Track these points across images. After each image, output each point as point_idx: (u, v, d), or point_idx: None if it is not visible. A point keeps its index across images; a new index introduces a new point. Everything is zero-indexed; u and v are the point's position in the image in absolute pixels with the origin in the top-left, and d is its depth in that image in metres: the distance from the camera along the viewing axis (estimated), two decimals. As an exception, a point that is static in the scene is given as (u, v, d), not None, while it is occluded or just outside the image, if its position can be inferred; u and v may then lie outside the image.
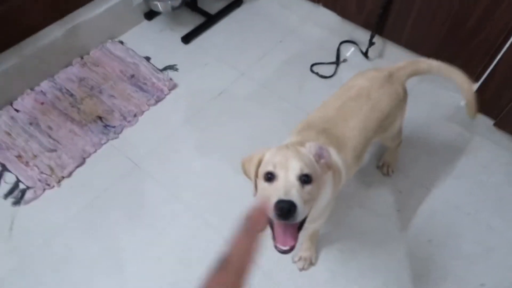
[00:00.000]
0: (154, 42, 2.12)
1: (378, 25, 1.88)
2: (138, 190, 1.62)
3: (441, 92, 1.94)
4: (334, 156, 1.12)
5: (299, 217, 0.87)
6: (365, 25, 1.98)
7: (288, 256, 1.46)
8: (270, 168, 0.93)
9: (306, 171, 0.92)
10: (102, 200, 1.58)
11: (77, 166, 1.66)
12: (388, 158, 1.66)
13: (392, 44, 1.98)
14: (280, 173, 0.91)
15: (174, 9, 2.04)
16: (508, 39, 1.50)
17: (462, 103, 1.75)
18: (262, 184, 0.95)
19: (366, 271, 1.45)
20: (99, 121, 1.78)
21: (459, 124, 1.84)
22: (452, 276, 1.46)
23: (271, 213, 0.86)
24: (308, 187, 0.92)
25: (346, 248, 1.50)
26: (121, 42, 2.09)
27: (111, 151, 1.72)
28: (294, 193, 0.88)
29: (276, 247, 0.93)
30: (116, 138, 1.75)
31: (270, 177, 0.93)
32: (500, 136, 1.72)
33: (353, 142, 1.19)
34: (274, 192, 0.89)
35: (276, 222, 0.91)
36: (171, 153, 1.72)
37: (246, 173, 1.06)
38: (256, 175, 1.00)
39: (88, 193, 1.60)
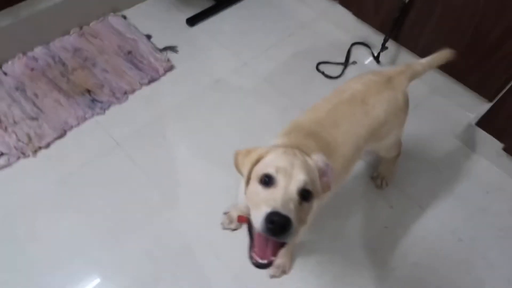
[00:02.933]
0: (158, 20, 2.03)
1: (393, 29, 1.77)
2: (115, 171, 1.53)
3: (452, 107, 1.81)
4: None
5: (290, 237, 0.75)
6: (380, 28, 1.86)
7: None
8: (271, 171, 0.82)
9: (309, 186, 0.82)
10: (77, 176, 1.50)
11: (57, 138, 1.58)
12: (383, 169, 1.55)
13: (406, 51, 1.86)
14: (281, 180, 0.81)
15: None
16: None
17: (473, 122, 1.62)
18: (255, 185, 0.84)
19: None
20: (87, 95, 1.70)
21: (466, 143, 1.71)
22: (435, 305, 1.34)
23: (259, 223, 0.75)
24: (305, 205, 0.82)
25: (325, 260, 1.39)
26: (124, 17, 2.01)
27: (95, 127, 1.64)
28: (292, 207, 0.77)
29: (251, 258, 0.83)
30: (101, 114, 1.67)
31: (267, 180, 0.82)
32: (508, 162, 1.59)
33: (343, 148, 1.09)
34: (268, 200, 0.78)
35: (259, 233, 0.80)
36: (156, 137, 1.63)
37: (237, 166, 0.95)
38: (250, 173, 0.89)
39: (63, 167, 1.52)
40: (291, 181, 0.80)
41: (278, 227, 0.73)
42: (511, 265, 1.43)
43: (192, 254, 1.37)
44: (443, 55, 1.29)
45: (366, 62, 1.97)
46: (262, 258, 0.81)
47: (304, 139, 1.04)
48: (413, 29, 1.74)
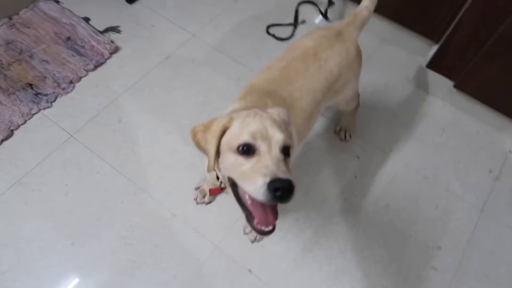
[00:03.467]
0: (95, 1, 1.91)
1: (336, -19, 1.76)
2: (74, 164, 1.46)
3: (404, 54, 1.85)
4: None
5: (293, 197, 0.74)
6: (323, -18, 1.85)
7: (238, 227, 1.37)
8: (247, 139, 0.79)
9: (287, 142, 0.81)
10: (34, 176, 1.42)
11: (3, 140, 1.47)
12: (345, 122, 1.57)
13: (353, 5, 1.87)
14: (261, 145, 0.78)
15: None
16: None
17: (424, 64, 1.67)
18: (232, 157, 0.81)
19: (322, 239, 1.38)
20: (29, 89, 1.59)
21: (420, 86, 1.77)
22: (411, 240, 1.41)
23: (262, 194, 0.72)
24: (287, 159, 0.81)
25: (302, 217, 1.42)
26: (57, 1, 1.86)
27: (44, 122, 1.53)
28: (284, 168, 0.76)
29: (255, 228, 0.81)
30: (49, 107, 1.57)
31: (247, 149, 0.79)
32: (460, 98, 1.67)
33: (301, 103, 1.08)
34: (260, 169, 0.75)
35: (256, 202, 0.79)
36: (112, 123, 1.56)
37: (199, 144, 0.89)
38: (218, 147, 0.85)
39: (17, 169, 1.42)
40: (271, 143, 0.79)
41: (285, 192, 0.72)
42: (474, 193, 1.52)
43: (170, 233, 1.35)
44: None
45: (315, 20, 1.97)
46: (267, 225, 0.80)
47: (260, 99, 1.02)
48: (355, -20, 1.74)
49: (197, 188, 1.42)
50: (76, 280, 1.25)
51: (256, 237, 1.34)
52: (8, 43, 1.70)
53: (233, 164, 0.81)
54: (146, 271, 1.28)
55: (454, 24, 1.48)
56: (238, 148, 0.80)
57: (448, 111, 1.72)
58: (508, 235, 1.44)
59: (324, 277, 1.32)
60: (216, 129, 0.85)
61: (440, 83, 1.67)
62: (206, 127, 0.88)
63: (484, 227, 1.45)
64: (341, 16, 1.96)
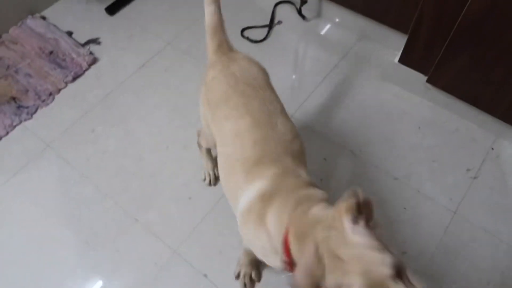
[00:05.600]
0: (79, 15, 2.00)
1: (305, -21, 1.73)
2: (48, 173, 1.54)
3: (380, 49, 1.79)
4: None
5: None
6: (294, -19, 1.82)
7: (198, 232, 1.39)
8: None
9: (395, 261, 0.64)
10: (11, 185, 1.51)
11: (-13, 151, 1.59)
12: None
13: (329, 2, 1.83)
14: None
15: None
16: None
17: (395, 59, 1.60)
18: None
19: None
20: (12, 102, 1.69)
21: (395, 82, 1.70)
22: (374, 246, 1.36)
23: None
24: (410, 274, 0.64)
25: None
26: (43, 18, 1.97)
27: (23, 133, 1.63)
28: None
29: None
30: (29, 119, 1.66)
31: None
32: (437, 93, 1.58)
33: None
34: None
35: None
36: (85, 133, 1.63)
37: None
38: None
39: (-3, 177, 1.53)
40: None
41: None
42: (448, 194, 1.44)
43: (131, 238, 1.39)
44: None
45: (293, 20, 1.94)
46: None
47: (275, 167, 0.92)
48: (325, -23, 1.71)
49: (237, 277, 1.29)
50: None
51: (244, 280, 1.28)
52: (-3, 60, 1.82)
53: None
54: (107, 276, 1.33)
55: (417, 13, 1.40)
56: None
57: (426, 107, 1.64)
58: (482, 238, 1.35)
59: (279, 281, 1.31)
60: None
61: (414, 78, 1.59)
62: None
63: (456, 230, 1.37)
64: (318, 14, 1.93)
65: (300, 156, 0.98)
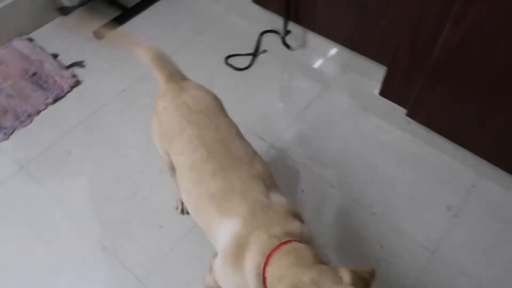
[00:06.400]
0: (67, 38, 2.01)
1: (288, 10, 1.74)
2: (20, 196, 1.51)
3: (363, 80, 1.79)
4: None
5: None
6: (279, 12, 1.84)
7: (166, 262, 1.34)
8: None
9: None
10: (-19, 207, 1.48)
11: (-42, 171, 1.56)
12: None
13: (312, 33, 1.83)
14: None
15: (82, 3, 1.93)
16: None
17: (376, 91, 1.59)
18: None
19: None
20: (-10, 123, 1.68)
21: (376, 115, 1.68)
22: (347, 285, 1.30)
23: None
24: None
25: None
26: (30, 40, 1.99)
27: (-2, 154, 1.62)
28: None
29: None
30: (5, 139, 1.65)
31: None
32: (419, 127, 1.56)
33: None
34: None
35: None
36: (61, 155, 1.60)
37: None
38: None
39: (-34, 199, 1.50)
40: None
41: None
42: (427, 232, 1.39)
43: (99, 266, 1.34)
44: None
45: (277, 49, 1.94)
46: None
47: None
48: (307, 8, 1.71)
49: None
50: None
51: None
52: (-20, 79, 1.82)
53: None
54: (67, 306, 1.28)
55: (395, 46, 1.40)
56: None
57: (407, 141, 1.62)
58: (460, 280, 1.30)
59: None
60: None
61: (395, 111, 1.58)
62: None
63: (433, 271, 1.32)
64: (303, 44, 1.93)
65: (266, 177, 0.94)
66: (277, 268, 0.77)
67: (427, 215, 1.43)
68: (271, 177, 0.97)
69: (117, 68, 1.89)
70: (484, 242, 1.36)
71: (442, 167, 1.54)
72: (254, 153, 0.99)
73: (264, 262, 0.79)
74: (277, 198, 0.92)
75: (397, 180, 1.51)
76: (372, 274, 0.73)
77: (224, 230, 0.88)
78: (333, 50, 1.82)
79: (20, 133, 1.67)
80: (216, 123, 1.00)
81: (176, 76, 1.12)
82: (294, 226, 0.84)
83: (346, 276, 0.69)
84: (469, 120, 1.35)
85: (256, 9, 1.96)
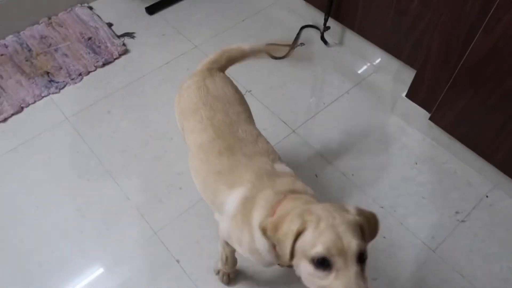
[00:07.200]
0: (121, 10, 2.18)
1: (330, 7, 1.82)
2: (61, 142, 1.67)
3: (394, 82, 1.83)
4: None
5: None
6: (320, 7, 1.91)
7: (182, 220, 1.45)
8: (322, 252, 0.72)
9: (363, 248, 0.74)
10: (28, 147, 1.65)
11: (14, 114, 1.75)
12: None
13: (351, 32, 1.90)
14: (338, 261, 0.71)
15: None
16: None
17: (404, 94, 1.64)
18: (309, 268, 0.75)
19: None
20: (46, 76, 1.87)
21: (401, 117, 1.72)
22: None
23: None
24: (364, 267, 0.74)
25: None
26: (90, 8, 2.18)
27: (49, 104, 1.79)
28: (364, 285, 0.71)
29: None
30: (57, 93, 1.83)
31: (322, 262, 0.72)
32: (440, 133, 1.59)
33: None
34: None
35: None
36: (102, 113, 1.76)
37: (272, 239, 0.83)
38: (293, 252, 0.77)
39: (16, 138, 1.68)
40: (347, 256, 0.71)
41: None
42: (431, 232, 1.43)
43: (121, 216, 1.48)
44: (263, 48, 1.30)
45: (315, 44, 2.02)
46: None
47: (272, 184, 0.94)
48: (349, 6, 1.78)
49: (217, 273, 1.33)
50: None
51: (223, 278, 1.32)
52: (42, 37, 2.02)
53: (310, 275, 0.76)
54: (88, 243, 1.42)
55: (427, 50, 1.44)
56: (314, 259, 0.73)
57: (428, 145, 1.65)
58: (455, 279, 1.33)
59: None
60: (288, 233, 0.77)
61: (419, 114, 1.62)
62: (276, 226, 0.80)
63: (430, 268, 1.35)
64: (341, 42, 2.00)
65: (270, 152, 1.03)
66: (285, 209, 0.85)
67: (434, 216, 1.47)
68: (275, 153, 1.05)
69: (163, 43, 2.03)
70: (487, 248, 1.38)
71: (458, 174, 1.57)
72: (258, 134, 1.08)
73: (271, 214, 0.86)
74: (281, 168, 1.00)
75: (411, 181, 1.55)
76: (373, 214, 0.83)
77: (232, 198, 0.96)
78: (368, 50, 1.88)
79: (69, 89, 1.85)
80: (228, 109, 1.09)
81: (217, 67, 1.20)
82: (298, 185, 0.93)
83: (352, 209, 0.79)
84: (491, 131, 1.37)
85: (301, 3, 2.05)
